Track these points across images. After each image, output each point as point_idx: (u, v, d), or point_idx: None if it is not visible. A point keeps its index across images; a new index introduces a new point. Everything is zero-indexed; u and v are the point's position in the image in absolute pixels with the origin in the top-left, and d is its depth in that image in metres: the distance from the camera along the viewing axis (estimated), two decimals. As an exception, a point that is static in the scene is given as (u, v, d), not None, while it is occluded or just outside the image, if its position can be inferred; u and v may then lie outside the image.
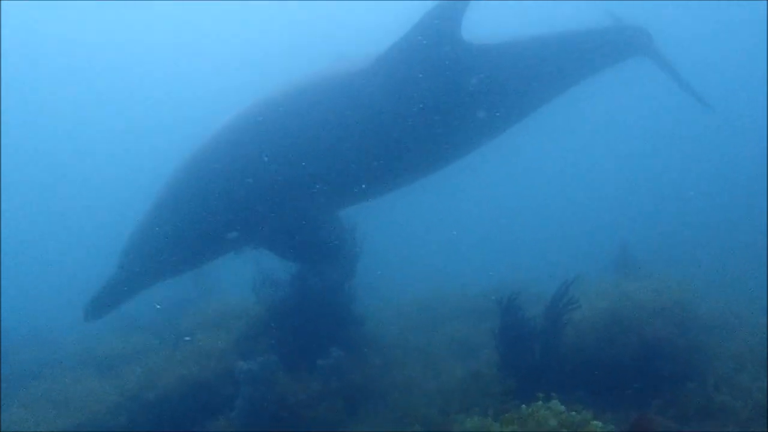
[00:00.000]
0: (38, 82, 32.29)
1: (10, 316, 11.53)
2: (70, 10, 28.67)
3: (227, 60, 30.80)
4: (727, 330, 5.70)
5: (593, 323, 5.17)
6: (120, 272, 5.91)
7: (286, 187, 5.74)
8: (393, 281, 9.04)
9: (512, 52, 6.06)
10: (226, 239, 5.90)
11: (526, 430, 3.25)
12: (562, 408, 3.32)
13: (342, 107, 5.68)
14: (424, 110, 5.73)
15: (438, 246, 14.48)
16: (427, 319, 7.80)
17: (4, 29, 27.54)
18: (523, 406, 3.42)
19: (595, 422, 3.24)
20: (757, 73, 26.54)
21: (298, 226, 5.93)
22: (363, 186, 6.05)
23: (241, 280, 7.04)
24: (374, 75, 5.70)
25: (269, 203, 5.78)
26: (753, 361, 4.73)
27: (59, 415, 5.81)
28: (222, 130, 5.96)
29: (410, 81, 5.67)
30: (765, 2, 21.98)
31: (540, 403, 3.40)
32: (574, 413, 3.28)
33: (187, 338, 6.53)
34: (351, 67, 5.86)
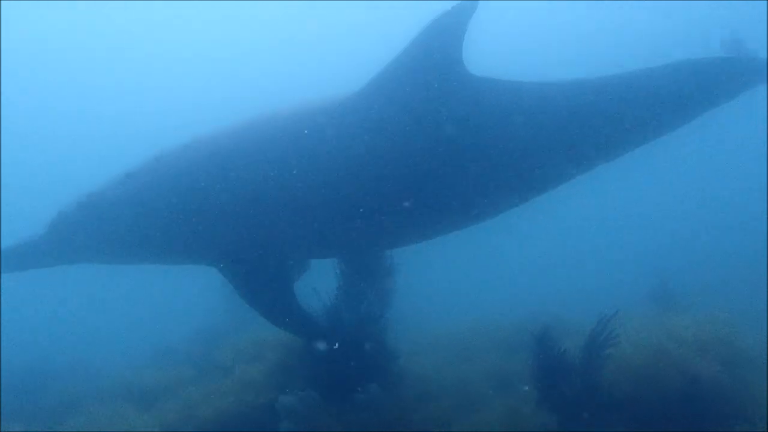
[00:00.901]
0: (38, 81, 33.00)
1: (51, 345, 11.83)
2: (70, 10, 29.34)
3: (234, 63, 30.95)
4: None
5: (634, 359, 5.06)
6: (47, 236, 5.45)
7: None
8: (426, 313, 9.02)
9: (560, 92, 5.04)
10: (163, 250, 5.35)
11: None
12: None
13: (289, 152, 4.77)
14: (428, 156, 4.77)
15: (472, 277, 14.40)
16: (462, 351, 7.73)
17: (4, 29, 28.36)
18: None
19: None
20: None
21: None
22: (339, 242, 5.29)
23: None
24: (349, 112, 4.80)
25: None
26: (804, 400, 4.57)
27: (99, 448, 5.90)
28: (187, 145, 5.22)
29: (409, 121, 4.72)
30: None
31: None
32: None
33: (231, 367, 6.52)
34: (318, 103, 5.00)
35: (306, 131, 4.76)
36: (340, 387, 5.77)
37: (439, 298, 11.20)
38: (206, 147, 5.05)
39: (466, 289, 13.21)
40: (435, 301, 10.46)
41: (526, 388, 5.30)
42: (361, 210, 4.90)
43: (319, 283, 6.46)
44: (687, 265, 12.71)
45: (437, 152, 4.78)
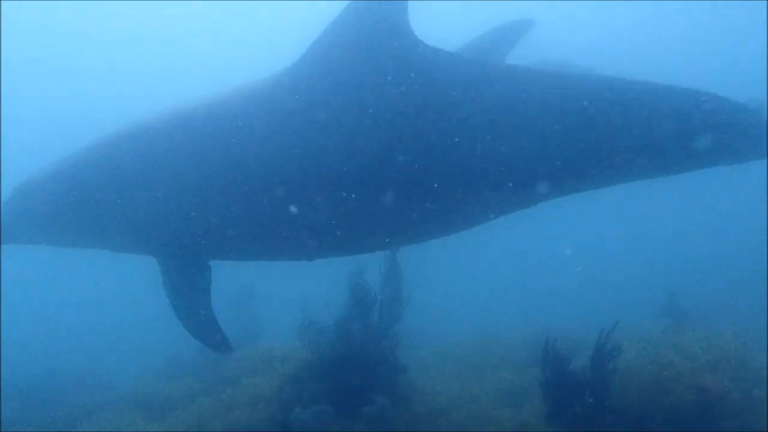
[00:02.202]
0: (38, 82, 33.19)
1: (60, 355, 11.89)
2: (70, 10, 29.53)
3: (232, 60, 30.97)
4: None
5: (644, 374, 5.06)
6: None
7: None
8: (435, 326, 9.03)
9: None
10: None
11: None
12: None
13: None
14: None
15: (482, 291, 14.39)
16: (471, 366, 7.73)
17: (4, 29, 28.59)
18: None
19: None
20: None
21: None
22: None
23: (286, 324, 7.14)
24: (278, 92, 4.28)
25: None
26: (815, 418, 4.54)
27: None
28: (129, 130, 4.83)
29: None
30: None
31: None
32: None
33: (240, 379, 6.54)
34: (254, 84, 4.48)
35: (229, 115, 4.30)
36: (349, 400, 5.79)
37: (448, 311, 11.20)
38: (133, 136, 4.71)
39: (476, 303, 13.19)
40: (444, 314, 10.46)
41: (533, 400, 5.29)
42: (297, 203, 4.27)
43: (329, 296, 6.52)
44: (698, 279, 12.66)
45: (381, 131, 4.11)
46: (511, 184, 4.21)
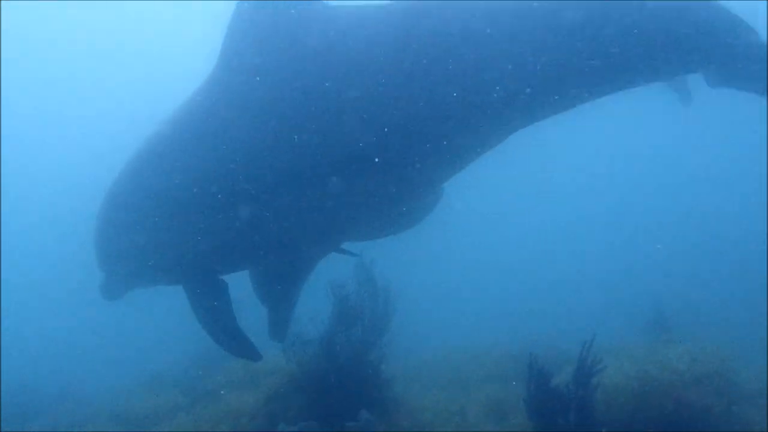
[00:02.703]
0: (38, 81, 32.97)
1: (41, 370, 11.70)
2: (70, 10, 29.44)
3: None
4: (769, 398, 5.51)
5: (628, 389, 5.06)
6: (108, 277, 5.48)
7: None
8: (421, 340, 8.99)
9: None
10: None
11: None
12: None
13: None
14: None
15: (467, 304, 14.37)
16: (457, 379, 7.70)
17: (4, 29, 28.46)
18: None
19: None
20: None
21: None
22: None
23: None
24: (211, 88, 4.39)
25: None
26: (797, 433, 4.57)
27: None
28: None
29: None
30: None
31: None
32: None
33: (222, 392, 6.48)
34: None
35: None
36: (335, 415, 5.73)
37: (434, 324, 11.17)
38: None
39: (463, 316, 13.17)
40: (430, 328, 10.42)
41: (518, 414, 5.26)
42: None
43: (315, 310, 6.47)
44: (684, 291, 12.73)
45: (321, 106, 4.07)
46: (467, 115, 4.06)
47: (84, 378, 10.53)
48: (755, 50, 4.25)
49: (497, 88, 3.97)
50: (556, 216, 27.26)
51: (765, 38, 4.32)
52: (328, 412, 5.73)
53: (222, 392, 6.68)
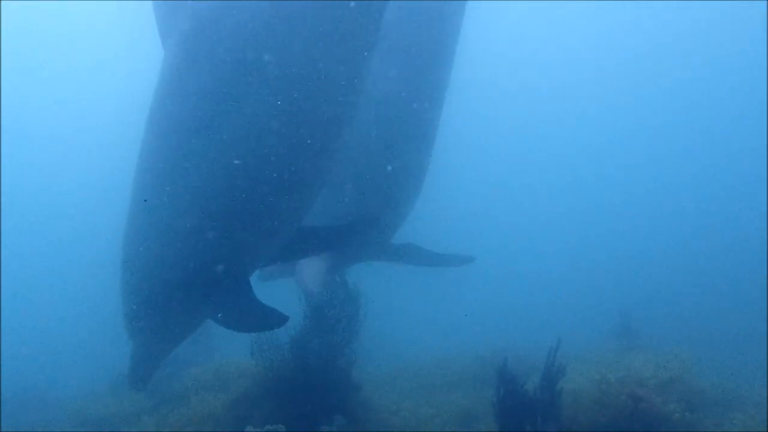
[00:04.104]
0: (38, 82, 32.51)
1: (5, 375, 11.37)
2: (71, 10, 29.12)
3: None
4: (732, 405, 5.62)
5: (593, 396, 5.12)
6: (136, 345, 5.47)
7: None
8: (392, 345, 8.98)
9: None
10: None
11: None
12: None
13: None
14: None
15: (438, 311, 14.42)
16: (427, 385, 7.71)
17: (4, 29, 28.05)
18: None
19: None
20: (758, 150, 26.87)
21: None
22: None
23: (243, 339, 6.99)
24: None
25: None
26: (757, 439, 4.66)
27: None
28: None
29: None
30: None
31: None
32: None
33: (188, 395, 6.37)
34: None
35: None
36: (303, 419, 5.69)
37: (404, 330, 11.17)
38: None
39: (431, 322, 13.20)
40: (402, 332, 10.42)
41: (485, 420, 5.28)
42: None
43: (286, 312, 6.40)
44: (652, 299, 12.95)
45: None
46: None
47: (48, 381, 10.28)
48: None
49: None
50: (529, 219, 27.55)
51: None
52: (296, 416, 5.69)
53: (188, 395, 6.55)
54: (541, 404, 4.91)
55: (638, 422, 4.71)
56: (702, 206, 26.49)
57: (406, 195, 6.53)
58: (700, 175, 29.98)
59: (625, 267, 18.71)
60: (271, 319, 4.68)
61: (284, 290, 6.73)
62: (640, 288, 14.79)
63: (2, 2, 27.95)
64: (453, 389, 7.26)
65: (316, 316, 6.22)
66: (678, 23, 29.64)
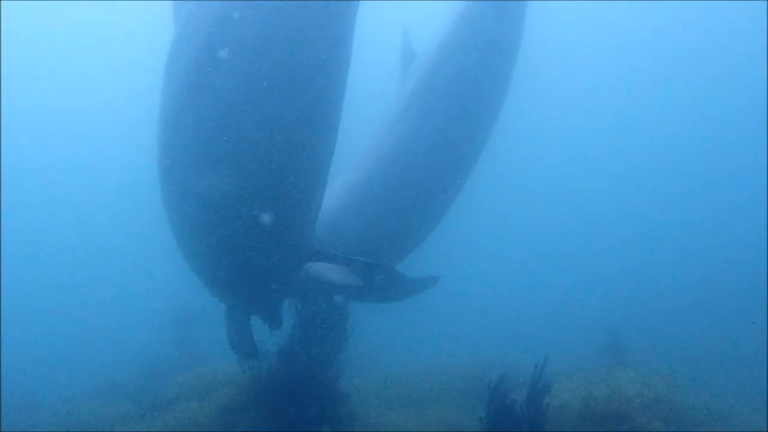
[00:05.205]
0: (38, 81, 32.47)
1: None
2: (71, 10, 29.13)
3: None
4: (717, 425, 5.63)
5: (580, 413, 5.12)
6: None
7: None
8: (380, 356, 8.95)
9: None
10: None
11: None
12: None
13: None
14: None
15: (428, 324, 14.39)
16: (414, 397, 7.66)
17: (4, 29, 28.05)
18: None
19: None
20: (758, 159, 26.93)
21: None
22: None
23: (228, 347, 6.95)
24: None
25: None
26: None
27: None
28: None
29: None
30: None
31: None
32: None
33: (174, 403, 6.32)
34: None
35: None
36: (288, 429, 5.65)
37: (393, 341, 11.13)
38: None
39: (420, 335, 13.15)
40: (389, 343, 10.39)
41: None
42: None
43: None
44: (640, 317, 12.96)
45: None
46: None
47: (33, 385, 10.16)
48: None
49: None
50: (519, 231, 27.52)
51: None
52: (282, 426, 5.65)
53: (174, 403, 6.51)
54: (527, 418, 4.91)
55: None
56: (697, 221, 26.60)
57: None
58: (693, 190, 30.12)
59: (617, 280, 18.75)
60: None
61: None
62: (632, 302, 14.81)
63: (2, 2, 27.97)
64: (440, 401, 7.23)
65: (304, 326, 6.20)
66: (678, 24, 29.72)
